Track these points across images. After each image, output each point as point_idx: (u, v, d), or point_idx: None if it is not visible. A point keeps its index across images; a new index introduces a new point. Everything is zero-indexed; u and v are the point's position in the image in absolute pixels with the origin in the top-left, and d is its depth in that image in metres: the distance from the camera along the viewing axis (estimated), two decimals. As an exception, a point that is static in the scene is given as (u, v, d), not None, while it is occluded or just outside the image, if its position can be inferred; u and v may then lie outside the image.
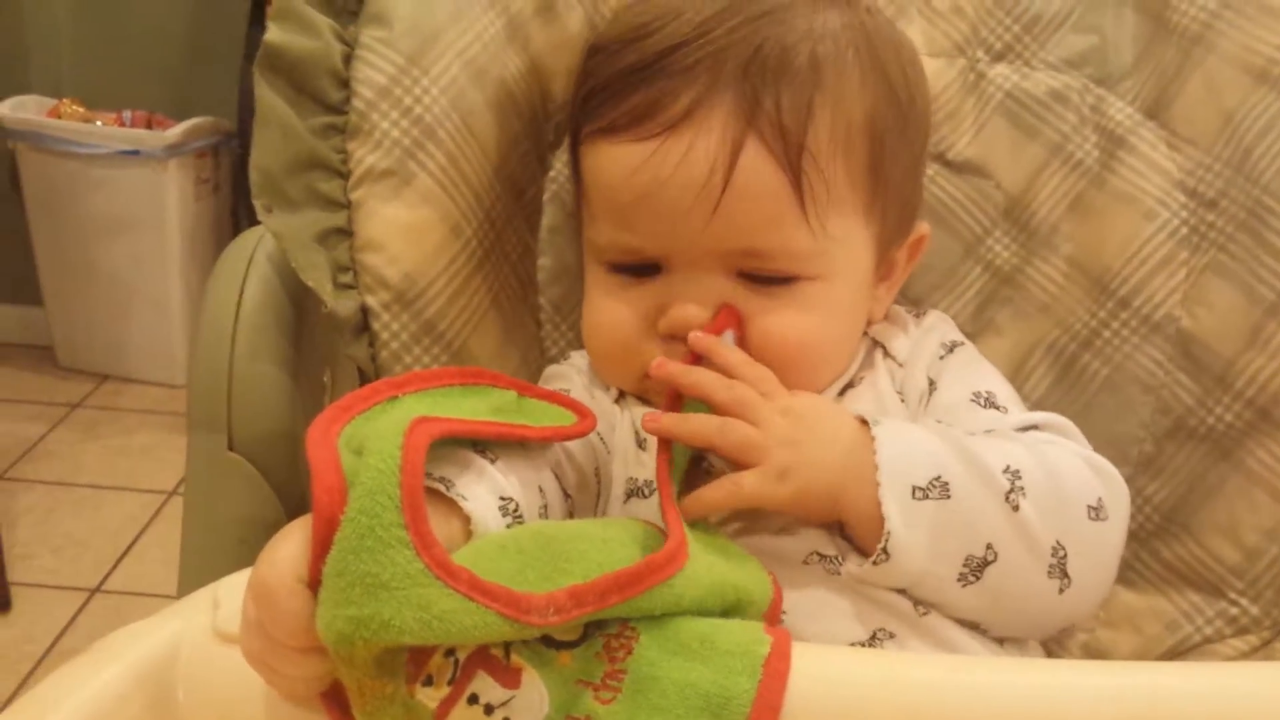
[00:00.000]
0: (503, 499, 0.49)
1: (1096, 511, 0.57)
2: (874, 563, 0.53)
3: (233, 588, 0.48)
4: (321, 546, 0.39)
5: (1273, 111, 0.68)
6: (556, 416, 0.54)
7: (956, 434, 0.57)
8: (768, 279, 0.61)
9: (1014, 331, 0.76)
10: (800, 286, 0.62)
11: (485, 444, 0.50)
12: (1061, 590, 0.55)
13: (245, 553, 0.62)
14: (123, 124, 2.22)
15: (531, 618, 0.39)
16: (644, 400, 0.66)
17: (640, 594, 0.42)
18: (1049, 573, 0.55)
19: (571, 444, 0.57)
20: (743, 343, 0.61)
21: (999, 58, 0.77)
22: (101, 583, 1.70)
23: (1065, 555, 0.55)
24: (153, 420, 2.16)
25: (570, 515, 0.56)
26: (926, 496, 0.53)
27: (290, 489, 0.63)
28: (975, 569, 0.54)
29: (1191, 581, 0.70)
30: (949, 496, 0.53)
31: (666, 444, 0.55)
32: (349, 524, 0.39)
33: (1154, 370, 0.71)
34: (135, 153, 2.11)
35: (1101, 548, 0.57)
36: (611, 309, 0.64)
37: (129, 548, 1.78)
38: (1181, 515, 0.70)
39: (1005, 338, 0.76)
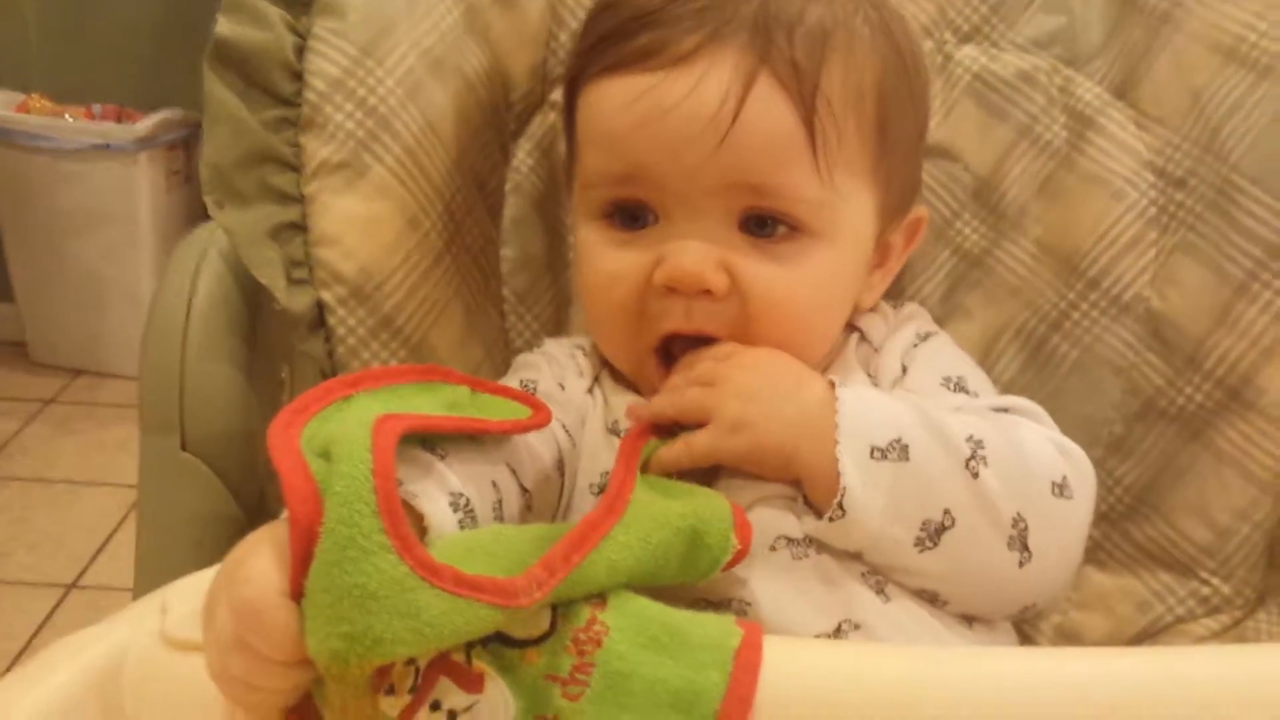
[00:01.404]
0: (453, 494, 0.48)
1: (1060, 489, 0.56)
2: (829, 519, 0.53)
3: (181, 592, 0.47)
4: (301, 558, 0.39)
5: (1241, 90, 0.68)
6: (511, 411, 0.54)
7: (921, 401, 0.57)
8: (770, 229, 0.59)
9: (984, 314, 0.75)
10: (803, 243, 0.60)
11: (435, 441, 0.50)
12: (1021, 564, 0.55)
13: (201, 554, 0.61)
14: (92, 118, 2.20)
15: (520, 600, 0.39)
16: (627, 386, 0.65)
17: (596, 545, 0.43)
18: (1009, 544, 0.55)
19: (530, 437, 0.56)
20: (738, 302, 0.59)
21: (966, 39, 0.77)
22: (78, 578, 1.69)
23: (1026, 528, 0.55)
24: (127, 414, 2.14)
25: (528, 509, 0.55)
26: (885, 457, 0.53)
27: (246, 489, 0.62)
28: (933, 534, 0.54)
29: (1163, 562, 0.69)
30: (908, 459, 0.54)
31: (634, 450, 0.55)
32: (329, 536, 0.38)
33: (1124, 351, 0.71)
34: (105, 146, 2.09)
35: (1065, 526, 0.57)
36: (607, 266, 0.61)
37: (105, 543, 1.77)
38: (1152, 496, 0.70)
39: (975, 320, 0.75)
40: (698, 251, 0.58)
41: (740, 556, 0.52)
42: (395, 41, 0.66)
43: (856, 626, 0.54)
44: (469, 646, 0.41)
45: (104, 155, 2.10)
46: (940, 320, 0.74)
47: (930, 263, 0.76)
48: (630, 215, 0.61)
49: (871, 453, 0.53)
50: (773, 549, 0.56)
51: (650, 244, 0.60)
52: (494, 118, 0.73)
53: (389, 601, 0.37)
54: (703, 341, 0.60)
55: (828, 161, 0.58)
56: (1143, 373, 0.70)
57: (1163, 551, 0.69)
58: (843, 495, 0.53)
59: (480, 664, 0.41)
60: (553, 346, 0.70)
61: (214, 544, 0.62)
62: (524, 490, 0.54)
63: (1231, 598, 0.68)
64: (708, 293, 0.58)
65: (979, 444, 0.54)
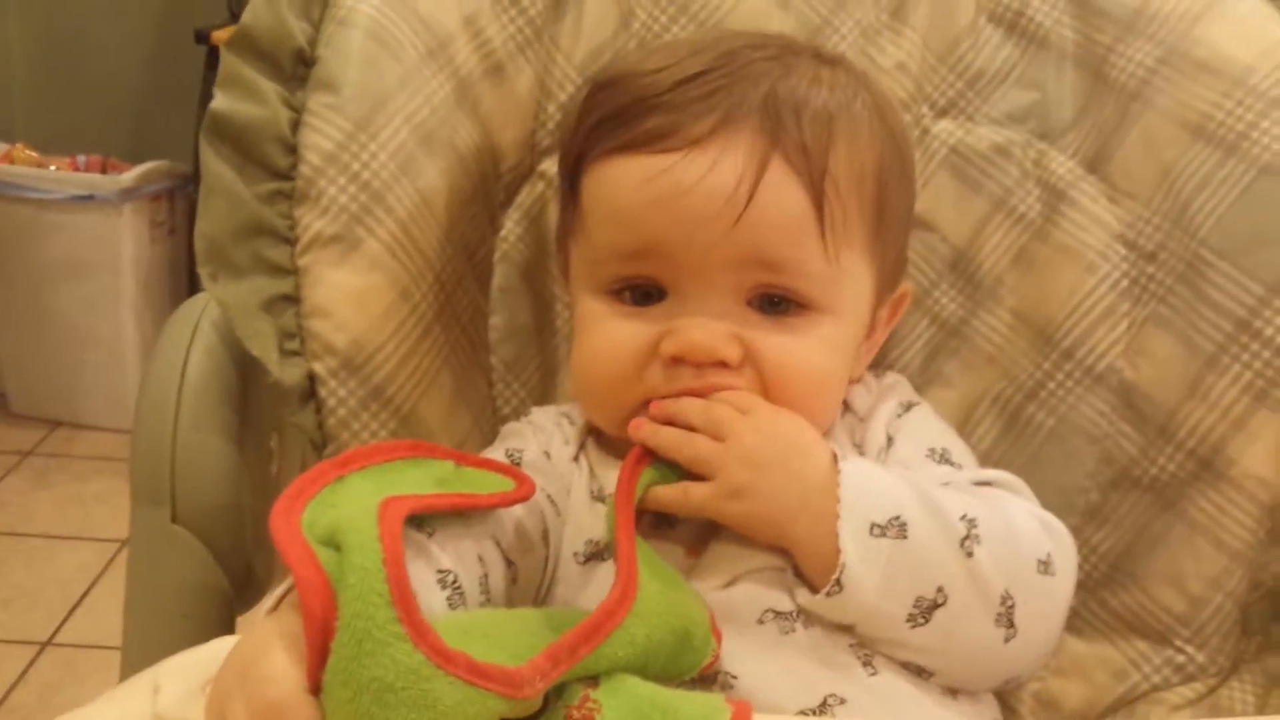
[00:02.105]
0: (440, 572, 0.49)
1: (1046, 566, 0.58)
2: (826, 594, 0.54)
3: (173, 672, 0.48)
4: (318, 651, 0.39)
5: (1209, 166, 0.70)
6: (496, 484, 0.54)
7: (919, 479, 0.58)
8: (780, 304, 0.61)
9: (962, 383, 0.77)
10: (811, 318, 0.61)
11: (422, 518, 0.50)
12: (1007, 639, 0.56)
13: (190, 627, 0.61)
14: (77, 168, 2.20)
15: (524, 691, 0.40)
16: (614, 454, 0.65)
17: (606, 638, 0.43)
18: (996, 621, 0.56)
19: (515, 509, 0.57)
20: (752, 372, 0.60)
21: (943, 113, 0.79)
22: (53, 635, 1.67)
23: (1013, 605, 0.56)
24: (106, 467, 2.13)
25: (513, 582, 0.56)
26: (884, 534, 0.54)
27: (235, 562, 0.62)
28: (925, 610, 0.55)
29: (1138, 630, 0.70)
30: (905, 537, 0.55)
31: (631, 478, 0.56)
32: (345, 630, 0.39)
33: (1098, 421, 0.72)
34: (89, 197, 2.10)
35: (1048, 602, 0.58)
36: (610, 337, 0.61)
37: (81, 599, 1.75)
38: (1128, 564, 0.71)
39: (953, 389, 0.77)
40: (708, 326, 0.59)
41: (715, 661, 0.53)
42: (388, 117, 0.67)
43: (842, 701, 0.55)
44: None
45: (88, 206, 2.10)
46: (920, 388, 0.75)
47: (909, 332, 0.78)
48: (643, 293, 0.62)
49: (871, 529, 0.54)
50: (760, 622, 0.57)
51: (657, 318, 0.61)
52: (483, 189, 0.74)
53: (406, 694, 0.38)
54: None
55: (834, 240, 0.60)
56: (1117, 442, 0.71)
57: (1138, 620, 0.70)
58: (841, 571, 0.54)
59: None
60: (539, 415, 0.71)
61: (202, 616, 0.62)
62: (509, 563, 0.55)
63: (1206, 666, 0.69)
64: (723, 364, 0.59)
65: (973, 523, 0.56)
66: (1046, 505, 0.66)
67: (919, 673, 0.57)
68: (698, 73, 0.60)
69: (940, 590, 0.55)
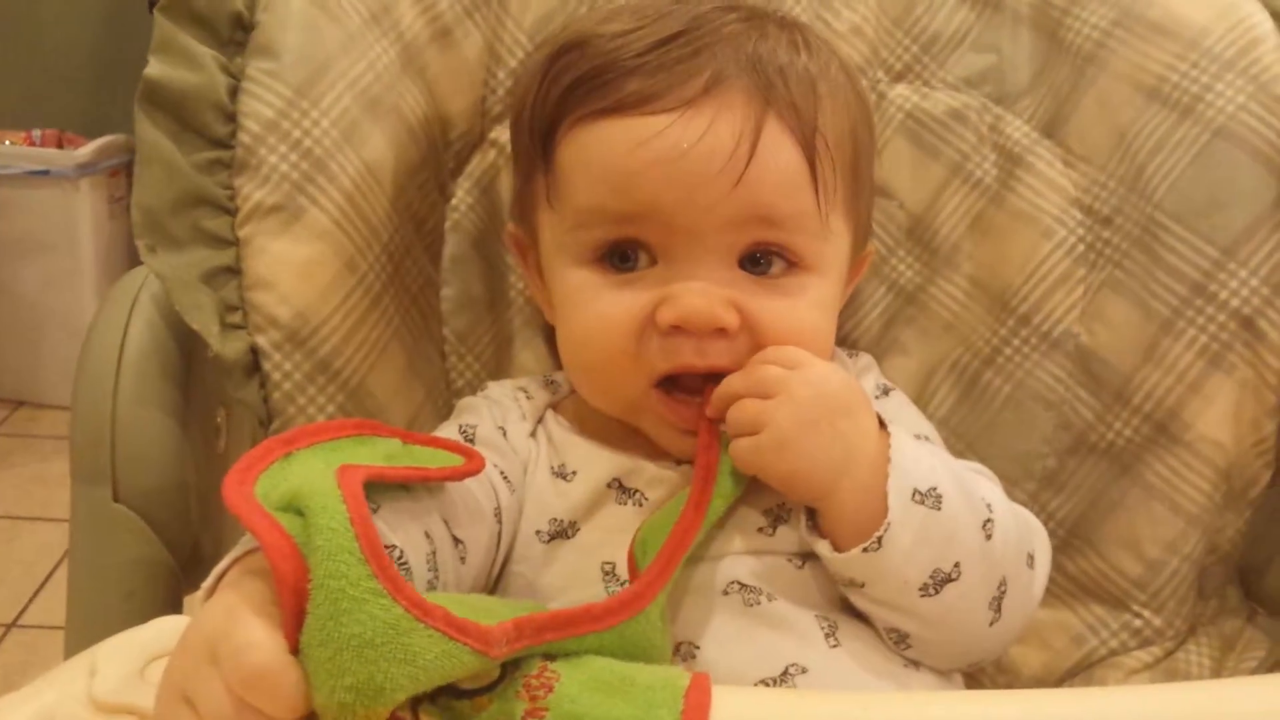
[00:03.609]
0: (386, 548, 0.47)
1: (1031, 560, 0.59)
2: (865, 549, 0.53)
3: (110, 653, 0.47)
4: (293, 615, 0.39)
5: (1164, 129, 0.69)
6: (444, 460, 0.54)
7: (949, 457, 0.59)
8: (766, 265, 0.60)
9: (919, 350, 0.76)
10: (800, 278, 0.61)
11: (368, 493, 0.49)
12: (992, 623, 0.57)
13: (135, 608, 0.60)
14: (32, 143, 2.16)
15: (494, 650, 0.40)
16: (578, 430, 0.65)
17: (579, 635, 0.44)
18: (990, 604, 0.57)
19: (465, 486, 0.56)
20: (747, 338, 0.59)
21: (899, 78, 0.78)
22: (17, 618, 1.64)
23: (1005, 592, 0.57)
24: (68, 447, 2.10)
25: (463, 560, 0.55)
26: (923, 502, 0.54)
27: (180, 540, 0.61)
28: (939, 583, 0.55)
29: (1096, 595, 0.71)
30: (939, 509, 0.55)
31: (707, 477, 0.56)
32: (320, 590, 0.38)
33: (1054, 386, 0.72)
34: (45, 172, 2.06)
35: (1028, 593, 0.60)
36: (602, 313, 0.60)
37: (45, 580, 1.73)
38: (1085, 529, 0.71)
39: (911, 357, 0.77)
40: (705, 291, 0.58)
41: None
42: (330, 82, 0.65)
43: (804, 671, 0.54)
44: (414, 703, 0.40)
45: (44, 182, 2.06)
46: (877, 356, 0.75)
47: (866, 299, 0.77)
48: (621, 256, 0.60)
49: (913, 495, 0.54)
50: (725, 593, 0.56)
51: (648, 285, 0.59)
52: (432, 156, 0.72)
53: (386, 649, 0.38)
54: (714, 378, 0.59)
55: (825, 197, 0.60)
56: (1073, 407, 0.71)
57: (1096, 585, 0.70)
58: (886, 529, 0.53)
59: (429, 718, 0.40)
60: (495, 390, 0.70)
61: (147, 596, 0.61)
62: (457, 541, 0.54)
63: (1163, 630, 0.69)
64: (720, 331, 0.58)
65: (990, 507, 0.57)
66: (1004, 472, 0.66)
67: (898, 642, 0.57)
68: (675, 33, 0.59)
69: (957, 566, 0.55)
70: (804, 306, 0.60)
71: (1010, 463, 0.71)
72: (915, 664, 0.58)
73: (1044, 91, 0.74)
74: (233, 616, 0.40)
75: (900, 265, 0.77)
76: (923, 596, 0.55)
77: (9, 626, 1.62)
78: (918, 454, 0.56)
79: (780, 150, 0.58)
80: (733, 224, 0.58)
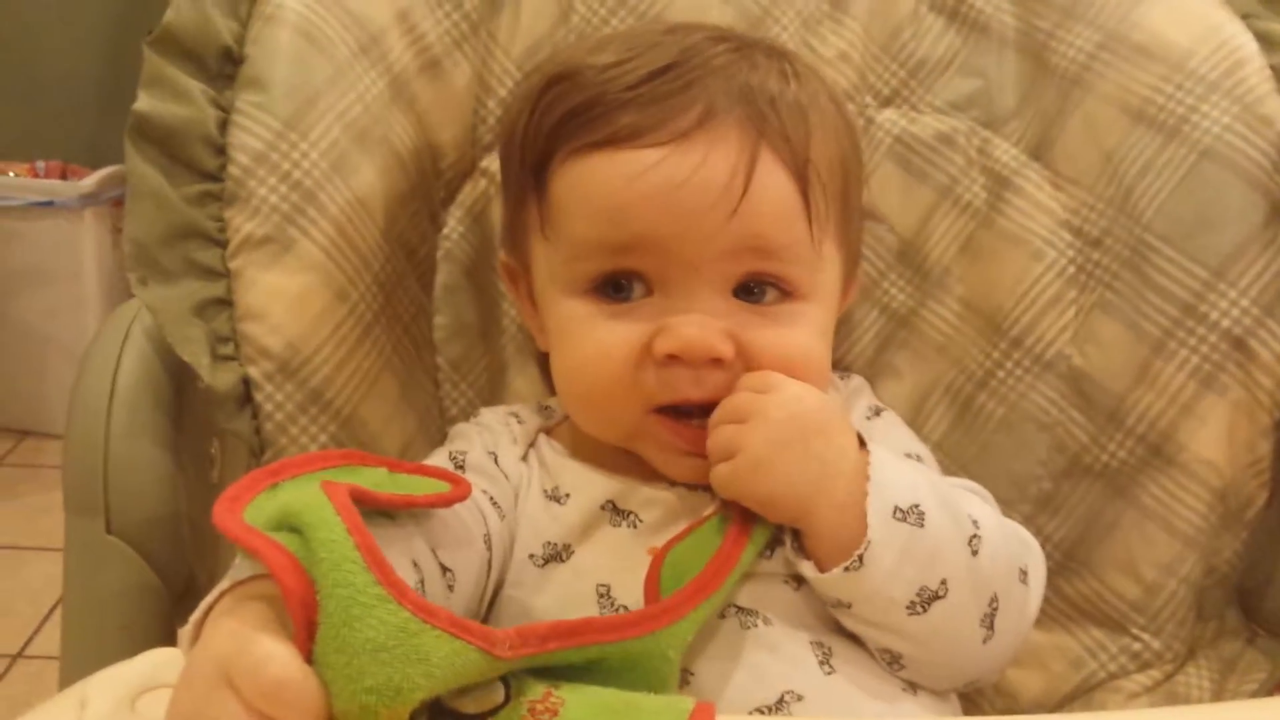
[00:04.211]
0: None
1: (1024, 576, 0.59)
2: (845, 569, 0.53)
3: (102, 685, 0.47)
4: (304, 627, 0.39)
5: (1150, 151, 0.69)
6: (430, 488, 0.54)
7: (932, 474, 0.59)
8: (760, 295, 0.60)
9: (912, 373, 0.76)
10: (794, 306, 0.61)
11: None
12: (985, 640, 0.56)
13: (128, 639, 0.60)
14: (36, 174, 2.18)
15: (498, 650, 0.41)
16: (571, 454, 0.64)
17: (583, 647, 0.44)
18: (981, 621, 0.56)
19: (453, 513, 0.56)
20: (743, 367, 0.59)
21: (886, 103, 0.78)
22: (23, 649, 1.64)
23: (997, 608, 0.57)
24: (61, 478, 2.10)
25: (451, 589, 0.55)
26: (905, 520, 0.54)
27: (174, 571, 0.61)
28: (926, 600, 0.54)
29: (1094, 618, 0.70)
30: (922, 526, 0.54)
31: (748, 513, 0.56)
32: (330, 600, 0.39)
33: (1048, 408, 0.72)
34: (49, 203, 2.07)
35: (1022, 610, 0.59)
36: (599, 342, 0.59)
37: (51, 610, 1.73)
38: (1081, 552, 0.70)
39: (904, 380, 0.76)
40: (702, 322, 0.58)
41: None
42: (319, 114, 0.66)
43: (799, 698, 0.54)
44: None
45: (48, 213, 2.07)
46: (871, 380, 0.75)
47: (859, 323, 0.77)
48: (616, 286, 0.60)
49: (894, 512, 0.54)
50: (721, 617, 0.56)
51: (644, 316, 0.59)
52: (422, 186, 0.73)
53: (399, 651, 0.39)
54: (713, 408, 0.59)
55: (818, 227, 0.60)
56: (1068, 429, 0.71)
57: (1094, 608, 0.70)
58: (866, 548, 0.53)
59: None
60: (488, 415, 0.69)
61: (141, 628, 0.61)
62: (445, 569, 0.54)
63: (1162, 653, 0.69)
64: (716, 361, 0.58)
65: (977, 523, 0.56)
66: (999, 495, 0.66)
67: (893, 663, 0.57)
68: (665, 66, 0.59)
69: (944, 583, 0.54)
70: (799, 334, 0.60)
71: (1005, 485, 0.71)
72: (913, 687, 0.57)
73: (1031, 114, 0.75)
74: (242, 636, 0.40)
75: (892, 289, 0.77)
76: (910, 615, 0.54)
77: (14, 657, 1.62)
78: (899, 471, 0.56)
79: (774, 181, 0.58)
80: (728, 255, 0.58)
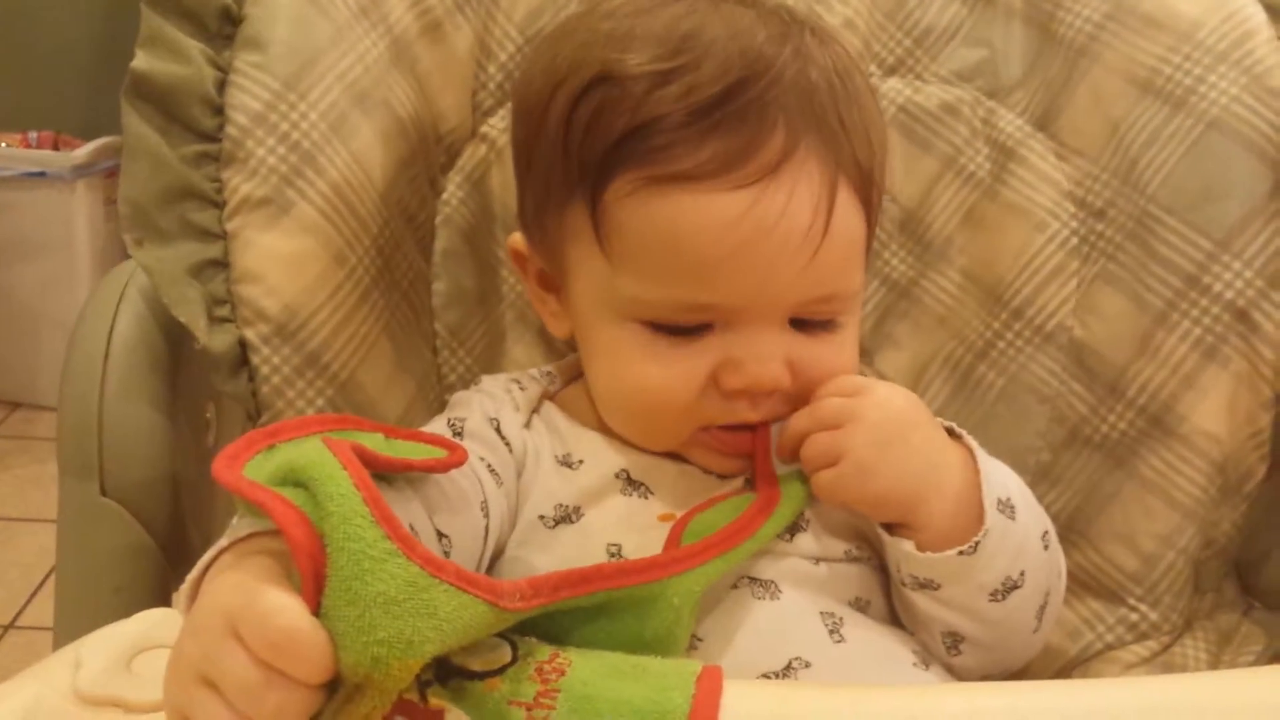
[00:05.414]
0: None
1: (1060, 576, 0.62)
2: (960, 553, 0.54)
3: (96, 645, 0.47)
4: (313, 580, 0.39)
5: (1157, 121, 0.69)
6: (426, 453, 0.53)
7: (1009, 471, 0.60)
8: (816, 323, 0.59)
9: (912, 344, 0.76)
10: (837, 329, 0.60)
11: None
12: (1034, 631, 0.59)
13: (122, 602, 0.60)
14: (28, 145, 2.16)
15: (504, 602, 0.41)
16: (581, 420, 0.64)
17: (593, 591, 0.45)
18: (1037, 613, 0.59)
19: (450, 479, 0.55)
20: (796, 386, 0.59)
21: (891, 71, 0.78)
22: (14, 619, 1.64)
23: (1048, 603, 0.59)
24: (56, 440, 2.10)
25: (446, 555, 0.54)
26: (1003, 511, 0.56)
27: (169, 534, 0.61)
28: (1008, 589, 0.56)
29: (1092, 589, 0.70)
30: (1014, 519, 0.56)
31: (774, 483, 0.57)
32: (340, 553, 0.39)
33: (1048, 380, 0.71)
34: (41, 174, 2.06)
35: (1058, 607, 0.62)
36: (661, 373, 0.58)
37: (43, 581, 1.73)
38: (1080, 523, 0.70)
39: (904, 351, 0.76)
40: (770, 356, 0.57)
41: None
42: (319, 75, 0.65)
43: (807, 665, 0.54)
44: (423, 686, 0.41)
45: (40, 183, 2.06)
46: (871, 351, 0.75)
47: (860, 294, 0.77)
48: (688, 328, 0.58)
49: (998, 504, 0.55)
50: (734, 587, 0.56)
51: (706, 349, 0.57)
52: (422, 150, 0.72)
53: (410, 604, 0.39)
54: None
55: (871, 252, 0.61)
56: (1068, 401, 0.71)
57: (1091, 579, 0.70)
58: (985, 535, 0.54)
59: (438, 700, 0.41)
60: (489, 383, 0.69)
61: (136, 590, 0.60)
62: (441, 535, 0.53)
63: (1159, 624, 0.69)
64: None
65: (1044, 520, 0.59)
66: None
67: (950, 646, 0.58)
68: (738, 82, 0.54)
69: (1023, 574, 0.56)
70: (844, 350, 0.61)
71: (1005, 457, 0.70)
72: (923, 661, 0.58)
73: (1036, 85, 0.74)
74: (248, 588, 0.39)
75: (893, 259, 0.77)
76: (991, 601, 0.56)
77: (6, 628, 1.62)
78: (994, 463, 0.57)
79: (847, 215, 0.57)
80: (793, 304, 0.58)
